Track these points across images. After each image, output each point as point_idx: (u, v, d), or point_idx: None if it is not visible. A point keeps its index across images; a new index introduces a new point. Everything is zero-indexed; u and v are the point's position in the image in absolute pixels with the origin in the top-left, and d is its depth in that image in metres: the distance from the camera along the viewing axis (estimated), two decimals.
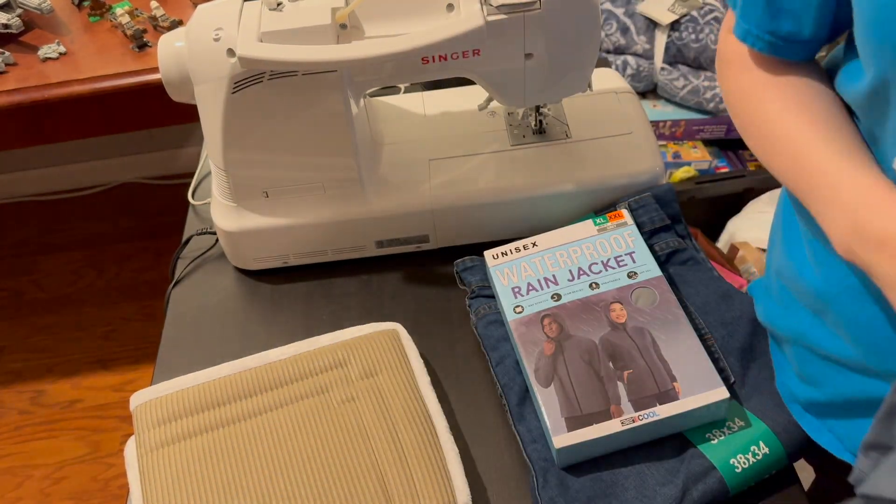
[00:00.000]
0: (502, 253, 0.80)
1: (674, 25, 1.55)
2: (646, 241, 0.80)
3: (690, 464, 0.66)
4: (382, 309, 0.85)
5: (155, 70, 1.27)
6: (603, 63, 1.13)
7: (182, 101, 0.81)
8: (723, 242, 1.53)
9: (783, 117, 0.61)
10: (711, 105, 1.60)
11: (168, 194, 2.20)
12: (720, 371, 0.71)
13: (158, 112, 1.33)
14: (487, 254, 0.80)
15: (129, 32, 1.30)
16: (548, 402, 0.68)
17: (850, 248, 0.53)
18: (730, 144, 1.76)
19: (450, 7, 0.75)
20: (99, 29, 1.35)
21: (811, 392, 0.68)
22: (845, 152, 0.56)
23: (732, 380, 0.71)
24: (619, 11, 1.59)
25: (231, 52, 0.73)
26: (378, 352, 0.75)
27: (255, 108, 0.77)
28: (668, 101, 1.66)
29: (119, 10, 1.33)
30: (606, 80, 0.94)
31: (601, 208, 0.85)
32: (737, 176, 1.60)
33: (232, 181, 0.83)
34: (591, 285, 0.75)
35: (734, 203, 1.61)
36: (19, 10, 1.34)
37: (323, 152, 0.81)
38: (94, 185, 2.22)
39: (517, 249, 0.80)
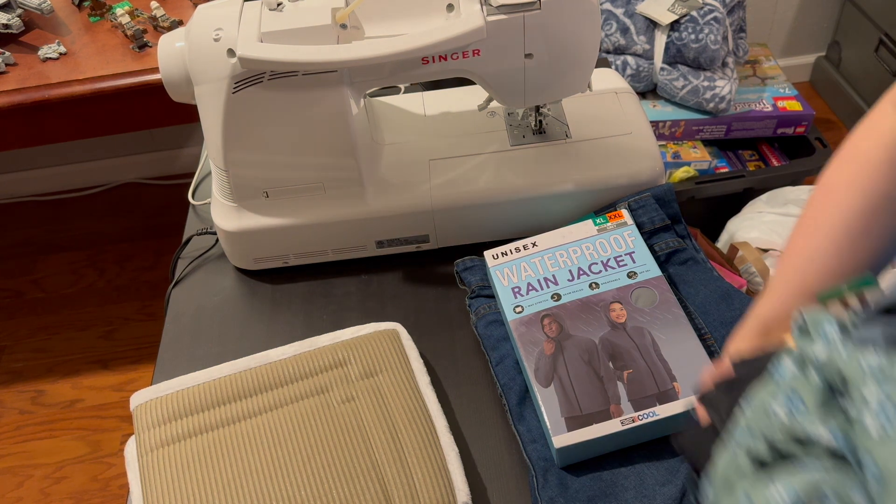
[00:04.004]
0: (502, 253, 0.80)
1: (674, 26, 1.55)
2: (646, 241, 0.80)
3: None
4: (382, 309, 0.85)
5: (155, 70, 1.27)
6: (603, 63, 1.13)
7: (182, 101, 0.81)
8: (722, 242, 1.53)
9: (828, 211, 0.56)
10: (711, 105, 1.60)
11: (168, 194, 2.20)
12: None
13: (158, 112, 1.33)
14: (487, 254, 0.80)
15: (129, 32, 1.30)
16: (548, 402, 0.68)
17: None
18: (729, 144, 1.76)
19: (450, 7, 0.75)
20: (99, 29, 1.36)
21: None
22: (796, 278, 0.56)
23: None
24: (619, 11, 1.59)
25: (231, 53, 0.74)
26: (378, 352, 0.75)
27: (256, 108, 0.77)
28: (668, 101, 1.66)
29: (119, 11, 1.33)
30: (606, 80, 0.94)
31: (601, 208, 0.85)
32: (736, 176, 1.60)
33: (232, 181, 0.83)
34: (590, 285, 0.75)
35: (734, 203, 1.61)
36: (19, 10, 1.34)
37: (323, 152, 0.81)
38: (94, 185, 2.23)
39: (517, 249, 0.80)
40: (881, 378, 0.37)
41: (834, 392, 0.39)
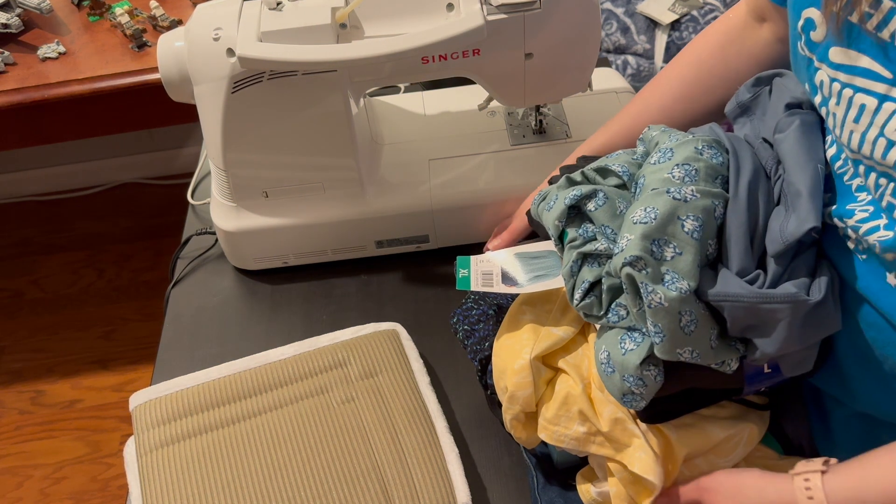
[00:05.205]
0: None
1: (674, 25, 1.55)
2: None
3: None
4: (382, 309, 0.85)
5: (154, 70, 1.27)
6: (603, 63, 1.13)
7: (182, 101, 0.81)
8: None
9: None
10: None
11: (168, 194, 2.19)
12: None
13: (158, 112, 1.33)
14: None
15: (128, 32, 1.30)
16: None
17: None
18: None
19: (450, 7, 0.75)
20: (98, 29, 1.35)
21: None
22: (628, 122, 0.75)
23: None
24: (619, 11, 1.59)
25: (231, 52, 0.73)
26: (378, 352, 0.75)
27: (255, 108, 0.77)
28: None
29: (118, 10, 1.33)
30: (606, 80, 0.94)
31: None
32: None
33: (232, 181, 0.83)
34: None
35: None
36: (19, 10, 1.34)
37: (323, 152, 0.81)
38: (94, 185, 2.22)
39: None
40: (676, 141, 0.58)
41: (646, 156, 0.61)
